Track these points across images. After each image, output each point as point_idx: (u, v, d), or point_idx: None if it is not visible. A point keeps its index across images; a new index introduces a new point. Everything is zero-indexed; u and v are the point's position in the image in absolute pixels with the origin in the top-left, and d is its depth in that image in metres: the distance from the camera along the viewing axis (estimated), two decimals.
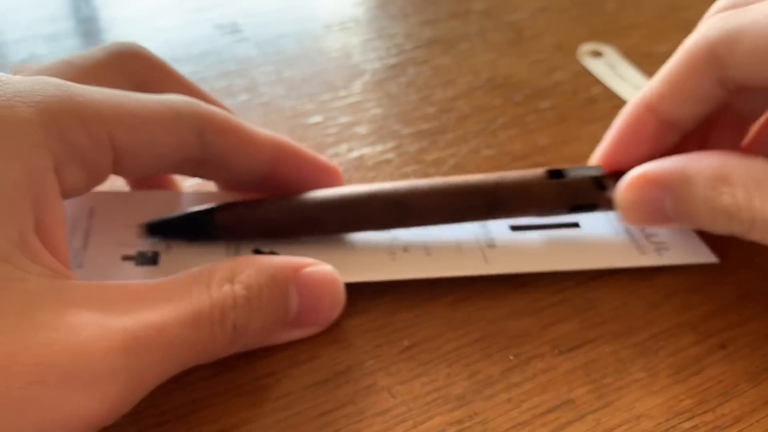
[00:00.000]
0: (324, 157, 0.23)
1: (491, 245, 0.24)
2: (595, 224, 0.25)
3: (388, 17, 0.38)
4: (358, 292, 0.22)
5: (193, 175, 0.22)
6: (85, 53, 0.21)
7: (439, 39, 0.36)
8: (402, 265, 0.23)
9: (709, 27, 0.20)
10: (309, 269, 0.20)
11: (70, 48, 0.34)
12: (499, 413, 0.19)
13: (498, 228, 0.25)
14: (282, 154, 0.22)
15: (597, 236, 0.25)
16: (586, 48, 0.35)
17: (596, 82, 0.33)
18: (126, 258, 0.22)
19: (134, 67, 0.21)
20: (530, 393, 0.20)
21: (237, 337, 0.18)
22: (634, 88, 0.32)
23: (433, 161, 0.29)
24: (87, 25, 0.36)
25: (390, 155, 0.29)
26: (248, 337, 0.18)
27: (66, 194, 0.18)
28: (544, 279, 0.23)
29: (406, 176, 0.28)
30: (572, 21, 0.38)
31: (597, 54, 0.35)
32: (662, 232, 0.25)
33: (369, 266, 0.23)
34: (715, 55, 0.20)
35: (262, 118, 0.30)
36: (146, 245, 0.22)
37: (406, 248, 0.24)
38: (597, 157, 0.24)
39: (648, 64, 0.34)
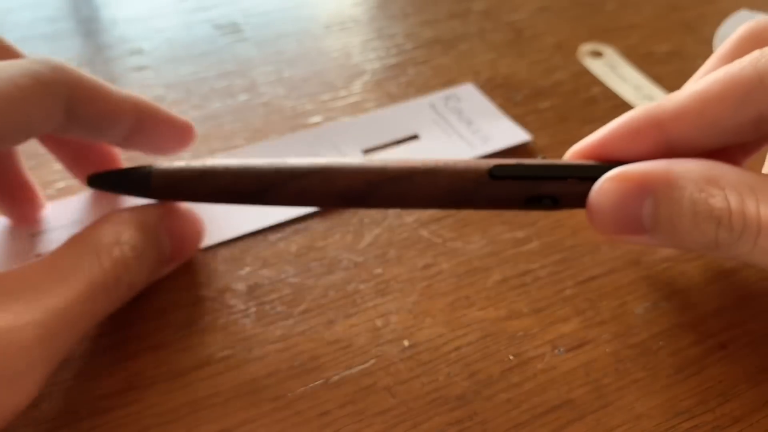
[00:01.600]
0: (177, 114, 0.23)
1: None
2: (432, 133, 0.29)
3: (388, 17, 0.38)
4: (358, 292, 0.22)
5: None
6: None
7: (439, 39, 0.36)
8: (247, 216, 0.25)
9: None
10: (174, 213, 0.22)
11: (70, 48, 0.34)
12: (499, 413, 0.19)
13: (352, 154, 0.28)
14: (143, 116, 0.21)
15: (435, 145, 0.29)
16: (586, 48, 0.35)
17: (596, 82, 0.33)
18: None
19: None
20: (530, 393, 0.20)
21: (130, 292, 0.20)
22: (634, 88, 0.32)
23: None
24: (87, 25, 0.36)
25: None
26: (137, 287, 0.20)
27: None
28: (544, 278, 0.23)
29: None
30: (572, 21, 0.37)
31: (597, 54, 0.35)
32: (482, 123, 0.29)
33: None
34: None
35: (262, 118, 0.30)
36: None
37: None
38: (580, 146, 0.21)
39: (648, 64, 0.34)
